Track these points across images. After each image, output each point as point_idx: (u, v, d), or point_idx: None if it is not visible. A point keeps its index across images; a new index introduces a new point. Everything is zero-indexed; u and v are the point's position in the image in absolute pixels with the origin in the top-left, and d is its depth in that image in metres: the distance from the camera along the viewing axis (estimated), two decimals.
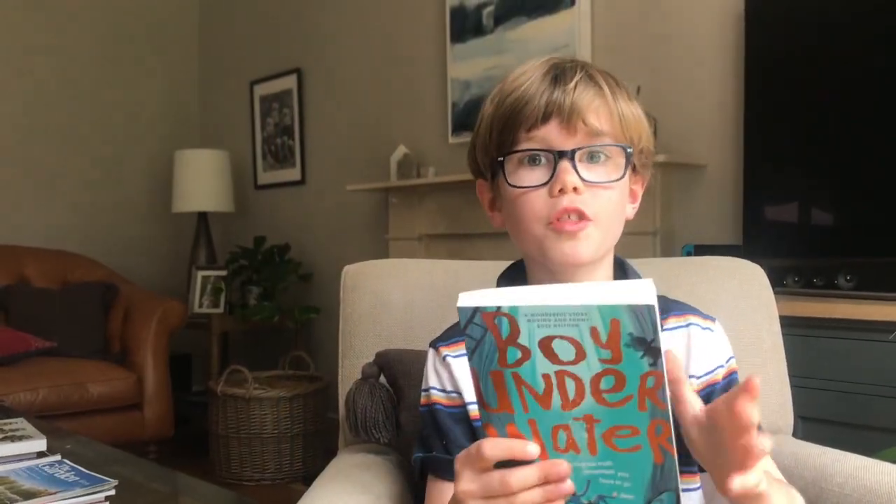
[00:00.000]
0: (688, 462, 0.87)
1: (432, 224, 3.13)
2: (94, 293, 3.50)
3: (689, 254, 2.14)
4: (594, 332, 0.57)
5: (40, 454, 1.62)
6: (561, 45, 2.75)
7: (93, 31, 4.22)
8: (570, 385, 0.59)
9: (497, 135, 0.86)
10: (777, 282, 1.98)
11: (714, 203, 2.44)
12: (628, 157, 0.85)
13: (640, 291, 0.56)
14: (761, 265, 1.29)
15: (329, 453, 1.24)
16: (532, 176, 0.84)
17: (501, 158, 0.86)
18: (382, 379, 1.16)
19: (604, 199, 0.83)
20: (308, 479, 1.11)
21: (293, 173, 4.04)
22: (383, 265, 1.34)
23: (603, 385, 0.59)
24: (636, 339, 0.57)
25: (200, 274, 3.84)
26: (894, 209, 1.91)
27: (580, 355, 0.58)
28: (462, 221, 2.98)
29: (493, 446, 0.62)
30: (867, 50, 1.98)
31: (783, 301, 1.38)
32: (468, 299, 0.60)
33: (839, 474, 1.02)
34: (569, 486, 0.62)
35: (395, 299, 1.27)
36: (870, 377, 1.76)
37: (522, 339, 0.58)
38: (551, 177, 0.83)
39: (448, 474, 0.87)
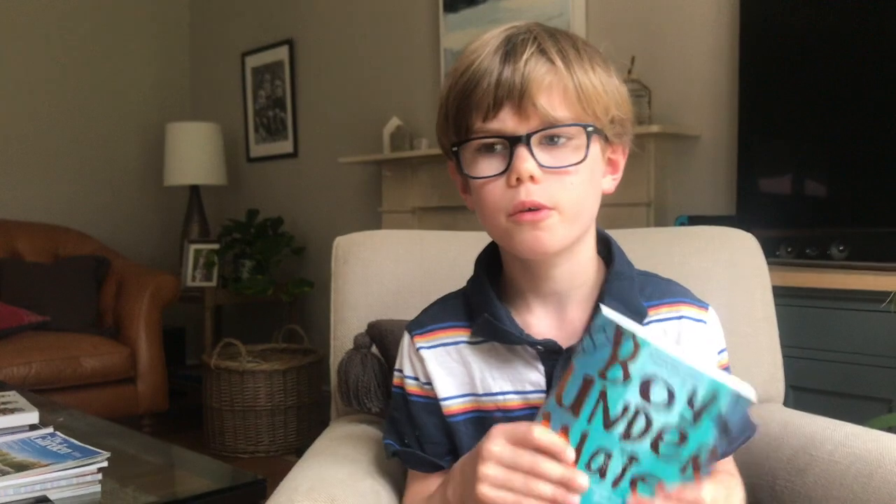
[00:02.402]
0: None
1: (425, 196, 3.12)
2: (86, 267, 3.49)
3: (682, 224, 2.14)
4: (693, 394, 0.63)
5: (33, 427, 1.62)
6: (555, 14, 2.73)
7: (83, 4, 4.17)
8: (640, 422, 0.65)
9: (452, 120, 0.82)
10: (770, 252, 1.97)
11: (708, 174, 2.44)
12: (588, 136, 0.78)
13: (746, 387, 0.63)
14: (755, 235, 1.29)
15: (323, 425, 1.24)
16: (489, 165, 0.79)
17: (455, 149, 0.81)
18: (374, 349, 1.16)
19: (566, 184, 0.78)
20: (302, 451, 1.11)
21: (285, 146, 4.02)
22: (374, 236, 1.34)
23: (667, 436, 0.65)
24: (720, 418, 0.63)
25: (193, 247, 3.83)
26: (887, 180, 1.91)
27: (668, 404, 0.64)
28: (455, 194, 2.92)
29: (544, 434, 0.68)
30: (862, 22, 1.96)
31: (776, 271, 1.38)
32: (614, 315, 0.66)
33: (829, 442, 1.02)
34: (575, 500, 0.67)
35: (386, 270, 1.27)
36: (861, 347, 1.77)
37: (632, 366, 0.64)
38: (508, 165, 0.77)
39: (423, 468, 0.90)
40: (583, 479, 0.67)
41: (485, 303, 0.86)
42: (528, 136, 0.77)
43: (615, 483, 0.66)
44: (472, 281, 0.91)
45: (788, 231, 2.06)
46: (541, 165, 0.77)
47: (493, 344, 0.87)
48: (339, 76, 3.71)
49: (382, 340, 1.15)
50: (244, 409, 3.12)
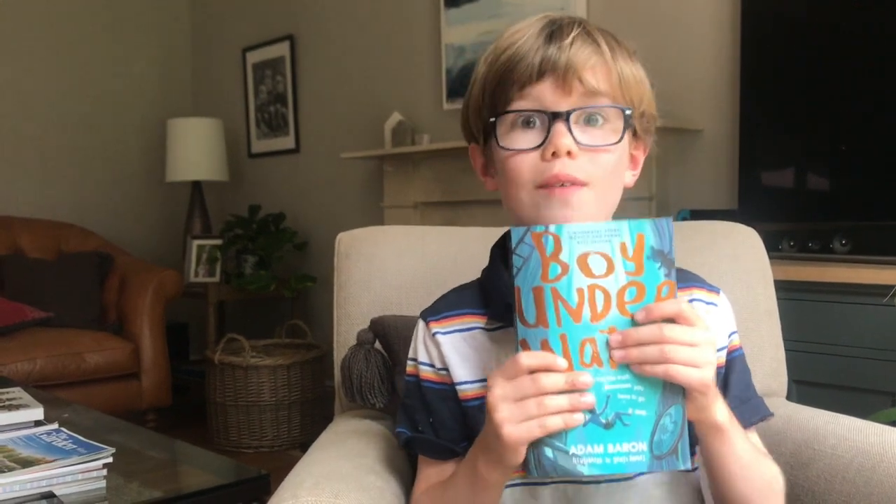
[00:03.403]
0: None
1: (427, 191, 3.12)
2: (89, 263, 3.49)
3: (684, 219, 2.14)
4: (623, 247, 0.68)
5: (38, 423, 1.63)
6: (556, 8, 2.72)
7: (84, 1, 4.17)
8: (600, 297, 0.68)
9: (489, 96, 0.82)
10: (772, 246, 1.98)
11: (710, 168, 2.44)
12: (627, 119, 0.80)
13: (662, 219, 0.68)
14: (757, 229, 1.29)
15: (327, 420, 1.25)
16: (525, 138, 0.80)
17: (493, 120, 0.82)
18: (378, 345, 1.16)
19: (600, 162, 0.79)
20: (306, 446, 1.12)
21: (287, 141, 4.02)
22: (377, 232, 1.34)
23: (626, 296, 0.68)
24: (656, 252, 0.68)
25: (196, 243, 3.83)
26: (889, 173, 1.91)
27: (610, 268, 0.68)
28: (457, 188, 2.96)
29: (529, 356, 0.69)
30: (864, 15, 1.96)
31: (778, 265, 1.38)
32: (520, 228, 0.69)
33: (832, 436, 1.03)
34: (590, 398, 0.68)
35: (389, 266, 1.27)
36: (864, 340, 1.77)
37: (563, 256, 0.68)
38: (545, 139, 0.78)
39: (436, 455, 0.89)
40: (585, 377, 0.68)
41: (501, 289, 0.86)
42: (569, 113, 0.78)
43: (613, 362, 0.68)
44: (487, 269, 0.92)
45: (791, 225, 2.06)
46: (578, 142, 0.78)
47: (507, 331, 0.86)
48: (340, 71, 3.71)
49: (385, 336, 1.15)
50: (248, 405, 3.13)
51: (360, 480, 0.93)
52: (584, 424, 0.68)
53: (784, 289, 1.33)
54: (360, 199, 3.61)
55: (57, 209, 3.96)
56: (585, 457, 0.68)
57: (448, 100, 3.17)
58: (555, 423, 0.68)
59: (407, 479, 1.00)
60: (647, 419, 0.68)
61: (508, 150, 0.81)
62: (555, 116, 0.78)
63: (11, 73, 3.97)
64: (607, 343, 0.68)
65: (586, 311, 0.68)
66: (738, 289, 1.22)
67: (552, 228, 0.68)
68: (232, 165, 4.14)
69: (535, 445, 0.69)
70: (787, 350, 1.26)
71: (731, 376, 0.89)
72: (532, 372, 0.68)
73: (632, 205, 2.38)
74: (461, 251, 1.23)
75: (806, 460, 1.02)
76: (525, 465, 0.70)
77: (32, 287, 3.35)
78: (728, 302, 0.92)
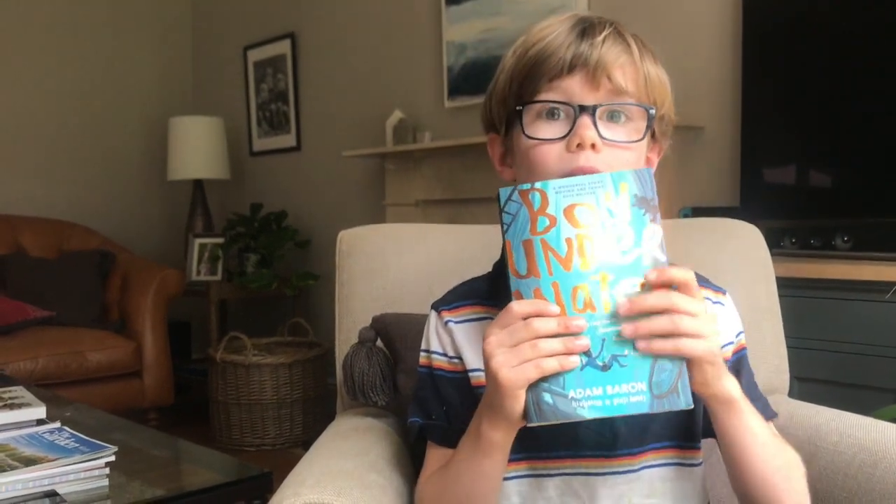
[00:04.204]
0: (691, 436, 0.88)
1: (429, 189, 3.12)
2: (90, 262, 3.49)
3: (686, 216, 2.14)
4: (608, 196, 0.70)
5: (40, 422, 1.63)
6: (558, 6, 2.72)
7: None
8: (588, 246, 0.70)
9: (518, 85, 0.83)
10: (774, 243, 1.98)
11: (712, 165, 2.43)
12: (650, 119, 0.82)
13: (642, 168, 0.72)
14: (759, 226, 1.29)
15: (329, 418, 1.25)
16: (550, 129, 0.81)
17: (520, 108, 0.83)
18: (379, 343, 1.16)
19: (622, 159, 0.81)
20: (308, 444, 1.12)
21: (288, 139, 4.01)
22: (378, 230, 1.34)
23: (615, 243, 0.70)
24: (640, 199, 0.70)
25: (197, 241, 3.83)
26: (891, 170, 1.90)
27: (596, 217, 0.70)
28: (459, 186, 2.96)
29: (521, 304, 0.70)
30: (866, 12, 1.95)
31: (780, 262, 1.38)
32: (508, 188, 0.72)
33: (834, 433, 1.03)
34: (585, 341, 0.69)
35: (390, 263, 1.27)
36: (866, 337, 1.76)
37: (550, 209, 0.70)
38: (570, 131, 0.80)
39: (448, 442, 0.88)
40: (578, 320, 0.69)
41: None
42: (595, 108, 0.80)
43: (606, 305, 0.69)
44: (498, 262, 0.92)
45: (792, 222, 2.06)
46: (602, 137, 0.80)
47: None
48: (342, 69, 3.71)
49: (387, 334, 1.15)
50: (250, 403, 3.13)
51: (363, 478, 0.93)
52: (581, 368, 0.69)
53: (786, 286, 1.33)
54: (361, 197, 3.61)
55: (58, 208, 3.96)
56: (585, 399, 0.69)
57: (449, 97, 3.17)
58: (550, 364, 0.68)
59: (409, 476, 1.00)
60: (643, 359, 0.69)
61: (534, 138, 0.82)
62: (581, 109, 0.80)
63: (12, 71, 3.97)
64: (600, 286, 0.69)
65: (576, 260, 0.69)
66: (740, 286, 1.22)
67: (538, 185, 0.71)
68: (233, 164, 4.14)
69: (534, 391, 0.70)
70: (789, 347, 1.26)
71: (742, 377, 0.89)
72: (526, 318, 0.69)
73: None
74: (463, 249, 1.23)
75: (808, 457, 1.02)
76: (525, 414, 0.71)
77: (34, 286, 3.35)
78: (733, 302, 0.93)
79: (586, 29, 0.81)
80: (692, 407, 0.70)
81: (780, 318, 1.26)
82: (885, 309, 1.73)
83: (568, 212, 0.70)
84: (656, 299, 0.68)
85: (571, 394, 0.69)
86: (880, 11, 1.92)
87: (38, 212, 3.85)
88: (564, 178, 0.71)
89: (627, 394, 0.69)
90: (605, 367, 0.69)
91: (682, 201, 2.41)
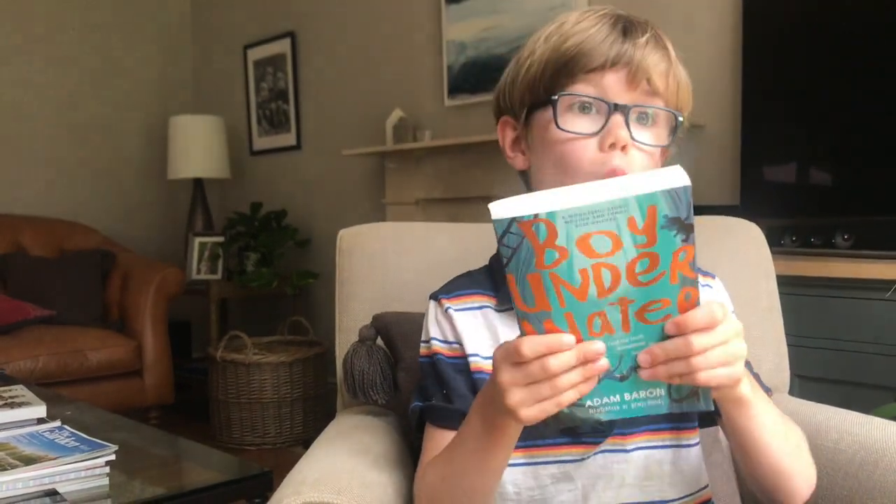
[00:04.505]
0: (688, 418, 0.88)
1: (429, 188, 3.12)
2: (91, 261, 3.49)
3: None
4: (631, 222, 0.59)
5: (40, 420, 1.63)
6: (557, 4, 2.72)
7: None
8: (607, 275, 0.61)
9: (552, 73, 0.83)
10: (774, 241, 1.98)
11: (712, 163, 2.43)
12: (677, 124, 0.84)
13: (675, 176, 0.59)
14: (759, 225, 1.29)
15: (329, 417, 1.25)
16: (582, 123, 0.81)
17: (555, 98, 0.82)
18: (380, 341, 1.16)
19: (644, 162, 0.82)
20: (308, 442, 1.12)
21: (288, 138, 4.01)
22: (378, 228, 1.34)
23: (638, 268, 0.61)
24: (671, 220, 0.60)
25: (198, 240, 3.83)
26: (891, 168, 1.90)
27: (617, 246, 0.60)
28: (459, 185, 2.96)
29: (531, 346, 0.63)
30: (866, 10, 1.95)
31: (780, 260, 1.38)
32: (502, 210, 0.60)
33: (834, 430, 1.03)
34: (604, 363, 0.64)
35: (390, 262, 1.27)
36: (867, 335, 1.76)
37: (560, 241, 0.60)
38: (602, 127, 0.80)
39: (447, 423, 0.87)
40: (596, 345, 0.63)
41: None
42: (631, 107, 0.80)
43: (626, 327, 0.63)
44: (494, 256, 0.93)
45: (793, 220, 2.05)
46: (633, 138, 0.80)
47: None
48: (342, 68, 3.71)
49: (387, 332, 1.15)
50: (250, 402, 3.13)
51: (363, 477, 0.93)
52: (599, 381, 0.65)
53: (786, 284, 1.33)
54: (361, 195, 3.61)
55: (59, 207, 3.96)
56: (602, 407, 0.66)
57: (449, 96, 3.17)
58: (569, 397, 0.65)
59: (410, 475, 0.99)
60: None
61: (569, 132, 0.81)
62: (616, 108, 0.80)
63: (12, 71, 3.97)
64: (621, 311, 0.63)
65: (592, 290, 0.62)
66: (741, 284, 1.22)
67: (542, 214, 0.59)
68: (233, 162, 4.14)
69: None
70: (789, 345, 1.26)
71: None
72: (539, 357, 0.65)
73: None
74: (463, 247, 1.23)
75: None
76: (542, 422, 0.67)
77: (35, 285, 3.35)
78: (722, 286, 0.94)
79: (627, 28, 0.82)
80: (712, 409, 0.68)
81: (781, 316, 1.26)
82: (885, 307, 1.72)
83: (582, 242, 0.60)
84: (675, 347, 0.64)
85: (589, 404, 0.66)
86: (881, 9, 1.92)
87: (39, 211, 3.85)
88: (575, 203, 0.59)
89: (646, 399, 0.66)
90: (624, 378, 0.66)
91: None
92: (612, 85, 0.80)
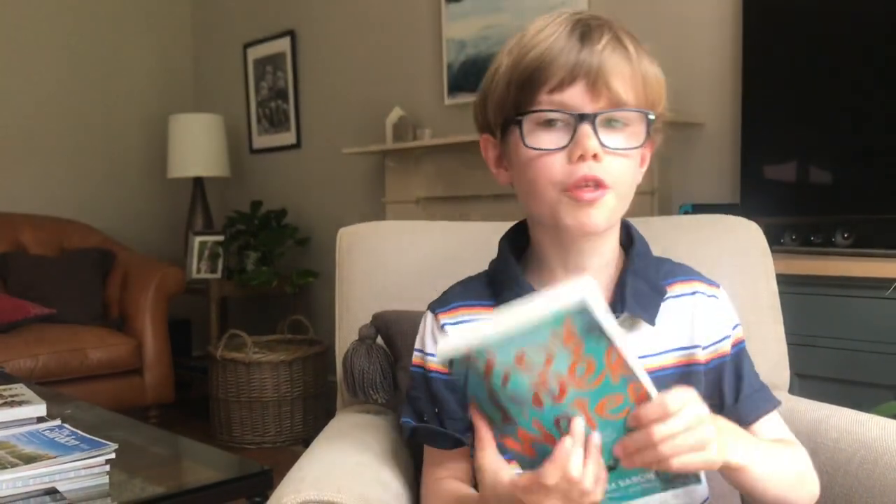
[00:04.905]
0: None
1: (429, 186, 3.11)
2: (91, 260, 3.49)
3: (686, 213, 2.14)
4: (555, 335, 0.63)
5: (40, 419, 1.63)
6: (558, 2, 2.72)
7: None
8: (553, 383, 0.65)
9: (515, 91, 0.82)
10: (774, 240, 1.98)
11: (712, 162, 2.43)
12: (649, 123, 0.83)
13: (579, 288, 0.61)
14: (759, 223, 1.29)
15: (330, 415, 1.25)
16: (550, 138, 0.80)
17: (520, 118, 0.82)
18: (380, 340, 1.16)
19: (623, 166, 0.81)
20: (308, 441, 1.12)
21: (288, 137, 4.01)
22: (378, 227, 1.34)
23: (578, 373, 0.65)
24: (589, 327, 0.62)
25: (198, 239, 3.83)
26: (891, 166, 1.90)
27: (550, 358, 0.64)
28: (459, 183, 2.96)
29: (552, 475, 0.67)
30: (866, 8, 1.95)
31: (780, 259, 1.38)
32: (444, 349, 0.65)
33: (834, 429, 1.03)
34: (596, 437, 0.68)
35: (390, 261, 1.27)
36: (866, 334, 1.76)
37: (500, 365, 0.64)
38: (570, 140, 0.79)
39: (442, 444, 0.89)
40: (592, 434, 0.68)
41: (511, 280, 0.88)
42: (596, 115, 0.79)
43: (592, 424, 0.68)
44: (496, 261, 0.93)
45: (793, 218, 2.05)
46: (603, 145, 0.79)
47: None
48: (341, 67, 3.71)
49: (387, 331, 1.15)
50: (250, 400, 3.13)
51: (363, 475, 0.93)
52: None
53: (786, 282, 1.33)
54: (361, 194, 3.61)
55: (59, 206, 3.96)
56: (605, 494, 0.70)
57: (449, 95, 3.17)
58: (600, 491, 0.69)
59: (410, 473, 1.00)
60: None
61: (536, 149, 0.81)
62: (582, 118, 0.79)
63: (12, 69, 3.96)
64: (579, 412, 0.67)
65: (546, 398, 0.66)
66: (741, 283, 1.22)
67: (473, 349, 0.63)
68: (233, 161, 4.14)
69: None
70: (789, 344, 1.26)
71: (744, 368, 0.91)
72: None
73: (634, 199, 2.37)
74: (463, 246, 1.23)
75: (808, 453, 1.02)
76: None
77: (35, 284, 3.35)
78: (727, 296, 0.93)
79: (585, 33, 0.80)
80: (702, 483, 0.72)
81: (781, 314, 1.26)
82: (885, 305, 1.72)
83: (519, 360, 0.64)
84: (639, 439, 0.68)
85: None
86: (881, 8, 1.92)
87: (39, 210, 3.84)
88: (499, 335, 0.62)
89: (639, 483, 0.70)
90: (612, 467, 0.69)
91: (682, 198, 2.41)
92: (575, 96, 0.79)
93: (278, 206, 3.83)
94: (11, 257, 3.47)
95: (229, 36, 4.30)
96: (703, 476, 0.70)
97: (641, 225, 1.28)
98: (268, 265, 3.64)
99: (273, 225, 3.74)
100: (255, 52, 4.14)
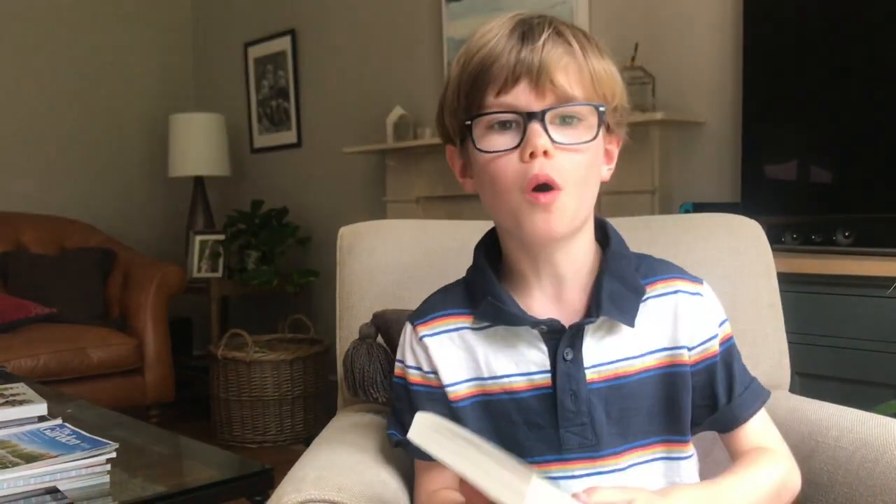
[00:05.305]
0: (681, 431, 0.87)
1: (430, 186, 3.11)
2: (92, 259, 3.49)
3: (687, 212, 2.13)
4: None
5: (41, 418, 1.63)
6: (558, 1, 2.71)
7: None
8: None
9: (464, 98, 0.82)
10: (775, 239, 1.97)
11: (712, 161, 2.43)
12: (601, 116, 0.81)
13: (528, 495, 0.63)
14: (760, 222, 1.29)
15: (330, 414, 1.25)
16: (502, 140, 0.80)
17: (469, 122, 0.82)
18: (380, 339, 1.16)
19: (576, 162, 0.80)
20: (309, 440, 1.12)
21: (289, 136, 4.01)
22: (379, 226, 1.34)
23: None
24: None
25: (198, 238, 3.83)
26: (892, 165, 1.90)
27: None
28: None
29: None
30: (867, 6, 1.95)
31: (781, 258, 1.38)
32: (413, 439, 0.71)
33: (835, 428, 1.03)
34: None
35: (391, 260, 1.27)
36: (867, 332, 1.76)
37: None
38: (521, 140, 0.79)
39: (427, 457, 0.88)
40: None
41: (487, 287, 0.87)
42: (544, 113, 0.78)
43: None
44: (472, 268, 0.92)
45: (793, 217, 2.05)
46: (554, 142, 0.78)
47: (495, 328, 0.87)
48: (342, 66, 3.71)
49: (388, 330, 1.15)
50: (251, 399, 3.14)
51: (363, 474, 0.93)
52: None
53: (787, 281, 1.33)
54: (362, 193, 3.61)
55: (59, 205, 3.96)
56: None
57: None
58: None
59: (409, 472, 1.00)
60: None
61: (487, 152, 0.81)
62: (530, 117, 0.79)
63: (13, 69, 3.97)
64: None
65: None
66: (742, 282, 1.22)
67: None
68: (234, 160, 4.14)
69: None
70: (790, 342, 1.26)
71: (735, 366, 0.89)
72: None
73: (635, 199, 2.38)
74: (463, 245, 1.23)
75: (809, 452, 1.02)
76: None
77: (35, 283, 3.35)
78: (712, 291, 0.91)
79: (525, 33, 0.80)
80: None
81: (782, 313, 1.26)
82: (886, 304, 1.72)
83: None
84: None
85: None
86: (881, 7, 1.92)
87: (39, 209, 3.84)
88: (452, 466, 0.68)
89: None
90: None
91: (682, 197, 2.41)
92: (521, 95, 0.79)
93: (279, 205, 3.83)
94: (12, 257, 3.47)
95: (230, 35, 4.30)
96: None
97: (642, 224, 1.28)
98: (268, 264, 3.64)
99: (274, 224, 3.75)
100: (256, 51, 4.14)
